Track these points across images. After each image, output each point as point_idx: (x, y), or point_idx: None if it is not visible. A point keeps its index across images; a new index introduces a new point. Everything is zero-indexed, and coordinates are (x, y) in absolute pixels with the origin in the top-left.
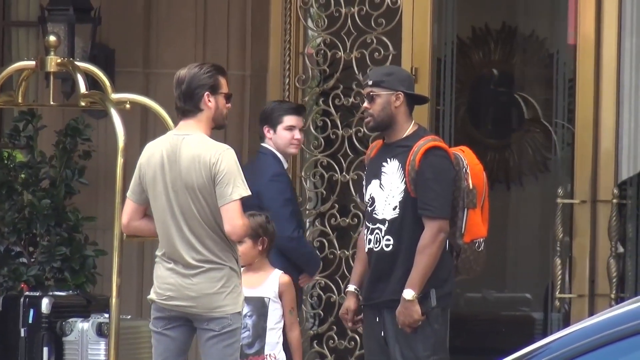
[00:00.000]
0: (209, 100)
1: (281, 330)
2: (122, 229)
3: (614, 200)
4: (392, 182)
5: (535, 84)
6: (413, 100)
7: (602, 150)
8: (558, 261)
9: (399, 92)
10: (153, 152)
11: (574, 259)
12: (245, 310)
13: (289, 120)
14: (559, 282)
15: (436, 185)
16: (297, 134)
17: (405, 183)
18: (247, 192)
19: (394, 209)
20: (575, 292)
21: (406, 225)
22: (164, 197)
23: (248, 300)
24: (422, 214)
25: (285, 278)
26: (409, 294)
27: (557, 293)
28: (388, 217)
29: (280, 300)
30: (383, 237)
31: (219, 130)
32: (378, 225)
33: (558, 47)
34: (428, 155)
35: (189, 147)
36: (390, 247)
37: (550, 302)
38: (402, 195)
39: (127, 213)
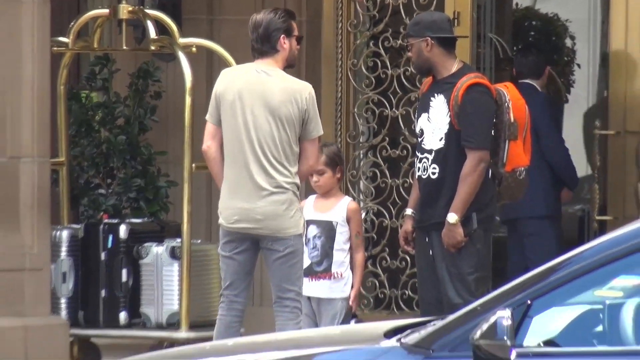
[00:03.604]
0: (284, 42)
1: (347, 251)
2: (204, 147)
3: None
4: (438, 115)
5: (571, 27)
6: (447, 40)
7: (629, 86)
8: (596, 187)
9: (427, 38)
10: (233, 78)
11: (610, 185)
12: (315, 231)
13: None
14: (597, 206)
15: (477, 119)
16: None
17: (449, 116)
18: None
19: (440, 140)
20: (611, 214)
21: (451, 155)
22: (240, 119)
23: (318, 223)
24: (464, 145)
25: (354, 205)
26: (452, 217)
27: (594, 215)
28: (435, 148)
29: (348, 224)
30: (430, 166)
31: (289, 69)
32: (426, 154)
33: None
34: (470, 91)
35: (278, 81)
36: (436, 174)
37: (587, 224)
38: (447, 127)
39: (208, 134)
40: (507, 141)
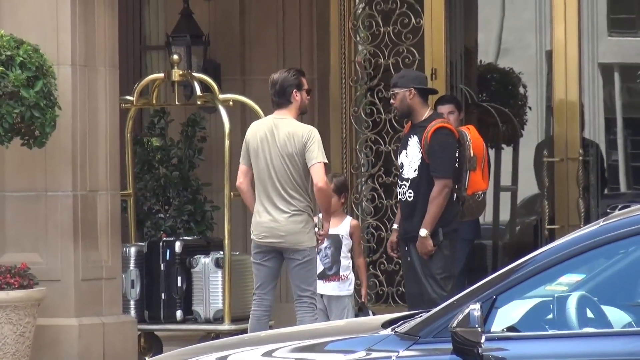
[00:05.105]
0: (296, 95)
1: (350, 258)
2: (237, 184)
3: (580, 158)
4: (413, 152)
5: (523, 78)
6: (425, 92)
7: (569, 123)
8: (546, 202)
9: (411, 88)
10: (257, 129)
11: (557, 201)
12: (326, 243)
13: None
14: (547, 217)
15: (442, 155)
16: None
17: (421, 153)
18: (326, 160)
19: (414, 171)
20: (558, 224)
21: (422, 182)
22: (263, 162)
23: (329, 236)
24: (432, 174)
25: (355, 222)
26: (423, 231)
27: (545, 225)
28: (410, 177)
29: (351, 237)
30: (407, 191)
31: (302, 115)
32: (404, 182)
33: (538, 51)
34: (436, 133)
35: (286, 127)
36: (412, 197)
37: (540, 232)
38: (419, 161)
39: (241, 174)
40: (468, 171)
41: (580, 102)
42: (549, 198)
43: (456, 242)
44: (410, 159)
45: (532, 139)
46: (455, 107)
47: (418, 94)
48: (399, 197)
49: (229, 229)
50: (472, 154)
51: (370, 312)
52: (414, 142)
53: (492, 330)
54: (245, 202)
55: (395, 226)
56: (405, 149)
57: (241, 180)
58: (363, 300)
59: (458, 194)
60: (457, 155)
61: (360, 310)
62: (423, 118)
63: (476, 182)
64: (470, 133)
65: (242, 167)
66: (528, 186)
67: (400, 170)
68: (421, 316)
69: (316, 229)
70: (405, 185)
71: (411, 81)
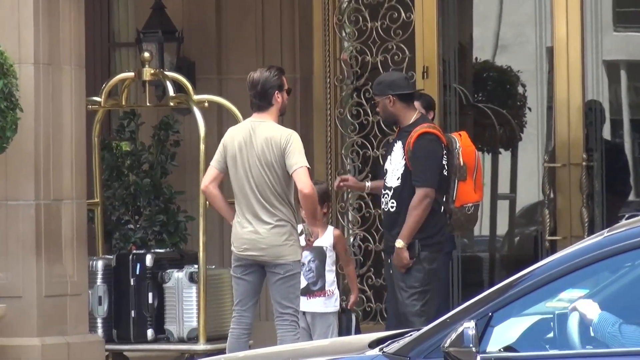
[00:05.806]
0: (278, 97)
1: (334, 272)
2: (202, 188)
3: (584, 163)
4: (397, 158)
5: (522, 77)
6: (407, 95)
7: (573, 124)
8: (547, 211)
9: (389, 95)
10: (235, 134)
11: (559, 210)
12: (309, 256)
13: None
14: (548, 228)
15: (424, 162)
16: None
17: (404, 159)
18: (307, 164)
19: (397, 179)
20: (560, 235)
21: (405, 191)
22: (242, 171)
23: (311, 249)
24: (414, 183)
25: (337, 231)
26: (399, 243)
27: (546, 236)
28: (393, 185)
29: (335, 248)
30: (389, 201)
31: (281, 116)
32: (387, 191)
33: (538, 47)
34: (420, 139)
35: (263, 133)
36: (394, 208)
37: (540, 243)
38: (403, 168)
39: (208, 177)
40: (456, 181)
41: (584, 102)
42: (550, 207)
43: (440, 255)
44: (394, 166)
45: (531, 143)
46: (419, 105)
47: (399, 99)
48: (382, 206)
49: (204, 241)
50: (461, 163)
51: (354, 317)
52: (398, 147)
53: (487, 350)
54: (216, 208)
55: (368, 183)
56: (390, 155)
57: (206, 183)
58: (349, 306)
59: (445, 205)
60: (444, 163)
61: (343, 312)
62: (409, 122)
63: (466, 193)
64: (461, 140)
65: (212, 170)
66: (527, 194)
67: (384, 178)
68: (411, 335)
69: (304, 235)
70: (388, 195)
71: (388, 87)
